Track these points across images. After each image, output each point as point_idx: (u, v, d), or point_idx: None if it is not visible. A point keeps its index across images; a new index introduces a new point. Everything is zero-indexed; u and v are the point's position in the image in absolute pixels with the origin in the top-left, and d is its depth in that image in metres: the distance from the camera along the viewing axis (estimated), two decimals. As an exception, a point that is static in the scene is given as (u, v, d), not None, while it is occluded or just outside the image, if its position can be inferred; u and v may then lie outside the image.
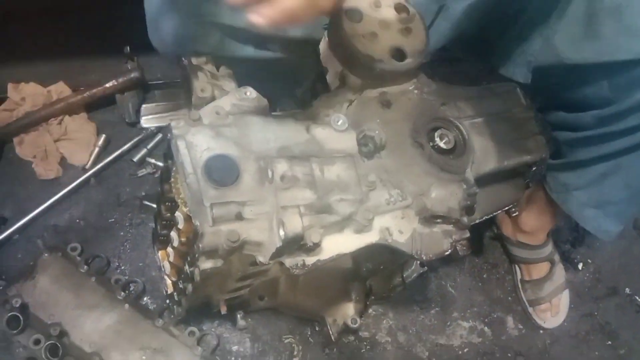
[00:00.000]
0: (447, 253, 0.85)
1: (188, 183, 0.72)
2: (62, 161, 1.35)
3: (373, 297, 1.28)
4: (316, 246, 0.74)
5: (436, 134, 0.87)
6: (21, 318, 1.10)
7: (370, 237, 0.81)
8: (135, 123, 1.40)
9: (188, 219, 0.84)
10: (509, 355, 1.34)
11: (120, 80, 1.36)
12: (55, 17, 1.43)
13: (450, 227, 0.86)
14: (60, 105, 1.34)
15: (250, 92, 0.82)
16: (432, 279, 1.39)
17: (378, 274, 1.20)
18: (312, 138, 0.81)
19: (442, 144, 0.87)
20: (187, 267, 0.85)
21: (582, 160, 1.05)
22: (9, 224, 1.26)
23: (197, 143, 0.74)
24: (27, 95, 1.34)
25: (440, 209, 0.83)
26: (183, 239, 0.88)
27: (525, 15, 1.00)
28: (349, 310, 1.22)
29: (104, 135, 1.37)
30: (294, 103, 1.38)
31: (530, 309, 1.37)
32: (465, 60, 1.35)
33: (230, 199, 0.71)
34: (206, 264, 0.75)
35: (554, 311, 1.37)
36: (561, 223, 1.45)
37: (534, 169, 1.01)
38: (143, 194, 1.35)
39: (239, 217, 0.71)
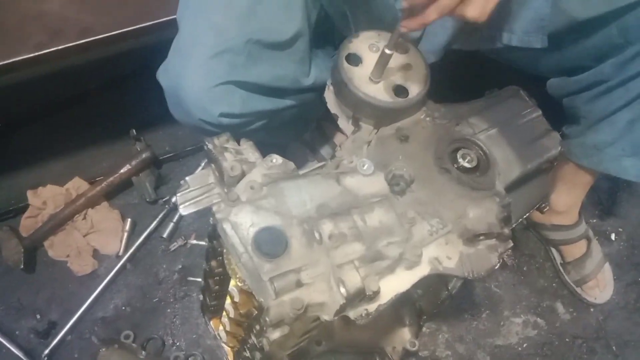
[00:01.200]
0: (497, 266, 0.87)
1: (243, 262, 0.74)
2: (95, 253, 1.37)
3: (425, 317, 1.29)
4: (376, 294, 0.76)
5: (458, 155, 0.90)
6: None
7: (422, 271, 0.83)
8: (156, 200, 1.43)
9: (243, 292, 0.87)
10: (567, 340, 1.36)
11: (134, 163, 1.39)
12: (55, 117, 1.47)
13: (493, 242, 0.88)
14: (82, 201, 1.37)
15: (276, 159, 0.85)
16: (475, 284, 1.41)
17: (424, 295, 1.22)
18: (344, 189, 0.83)
19: (466, 164, 0.89)
20: (253, 338, 0.87)
21: (606, 115, 1.05)
22: (59, 327, 1.28)
23: (241, 222, 0.76)
24: (47, 198, 1.37)
25: (481, 227, 0.85)
26: (242, 311, 0.90)
27: None
28: (405, 335, 1.24)
29: (129, 219, 1.40)
30: (304, 146, 1.42)
31: (578, 290, 1.39)
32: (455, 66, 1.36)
33: (286, 269, 0.74)
34: (275, 334, 0.77)
35: (602, 286, 1.39)
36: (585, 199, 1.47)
37: (555, 163, 1.04)
38: (180, 266, 1.37)
39: (299, 284, 0.73)
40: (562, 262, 1.41)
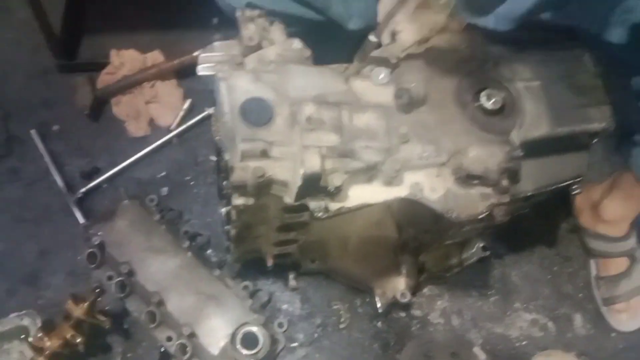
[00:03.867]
0: (482, 216, 0.82)
1: (224, 122, 0.77)
2: (151, 122, 1.48)
3: (426, 275, 1.25)
4: (338, 190, 0.76)
5: (482, 94, 0.84)
6: (98, 255, 1.23)
7: (400, 191, 0.80)
8: (217, 91, 1.50)
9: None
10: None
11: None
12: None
13: (488, 190, 0.82)
14: (153, 71, 1.47)
15: (297, 44, 0.85)
16: (495, 265, 1.33)
17: (430, 251, 1.18)
18: (349, 89, 0.82)
19: (487, 105, 0.83)
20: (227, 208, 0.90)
21: None
22: (101, 174, 1.41)
23: (237, 86, 0.78)
24: (126, 60, 1.49)
25: (477, 169, 0.80)
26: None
27: None
28: (399, 284, 1.21)
29: (189, 100, 1.48)
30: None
31: (603, 308, 1.26)
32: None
33: (260, 138, 0.75)
34: (238, 200, 0.80)
35: (632, 313, 1.24)
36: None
37: (595, 140, 0.93)
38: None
39: (265, 154, 0.74)
40: (596, 275, 1.28)
